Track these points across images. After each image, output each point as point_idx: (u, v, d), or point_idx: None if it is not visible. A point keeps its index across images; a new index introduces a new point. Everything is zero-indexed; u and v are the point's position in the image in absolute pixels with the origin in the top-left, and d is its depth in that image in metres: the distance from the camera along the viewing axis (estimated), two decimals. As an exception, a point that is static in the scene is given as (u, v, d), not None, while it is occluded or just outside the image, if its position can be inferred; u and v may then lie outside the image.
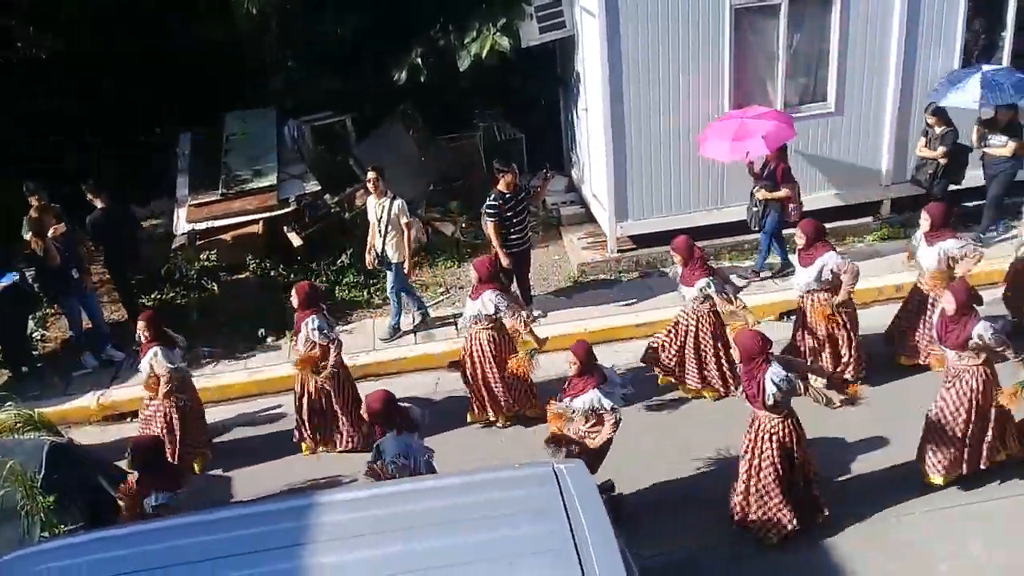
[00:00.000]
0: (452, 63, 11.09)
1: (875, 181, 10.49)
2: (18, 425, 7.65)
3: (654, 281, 10.09)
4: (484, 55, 10.76)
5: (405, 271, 9.38)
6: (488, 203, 9.08)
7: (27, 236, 9.10)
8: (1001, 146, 9.56)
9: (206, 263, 10.52)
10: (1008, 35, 10.07)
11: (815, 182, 10.37)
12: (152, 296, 10.80)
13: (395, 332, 9.58)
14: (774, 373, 5.94)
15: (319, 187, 11.19)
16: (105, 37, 12.13)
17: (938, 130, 9.58)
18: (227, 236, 10.60)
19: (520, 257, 9.34)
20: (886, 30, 9.77)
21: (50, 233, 9.01)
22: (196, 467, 7.91)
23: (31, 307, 9.78)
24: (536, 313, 9.54)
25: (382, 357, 9.24)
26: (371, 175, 9.16)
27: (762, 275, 9.84)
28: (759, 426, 6.17)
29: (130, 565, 4.28)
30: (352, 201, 11.42)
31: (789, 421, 6.12)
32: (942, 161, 9.62)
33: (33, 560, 4.53)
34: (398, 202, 9.15)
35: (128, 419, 8.89)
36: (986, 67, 9.49)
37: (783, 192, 9.32)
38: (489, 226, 9.09)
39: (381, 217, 9.14)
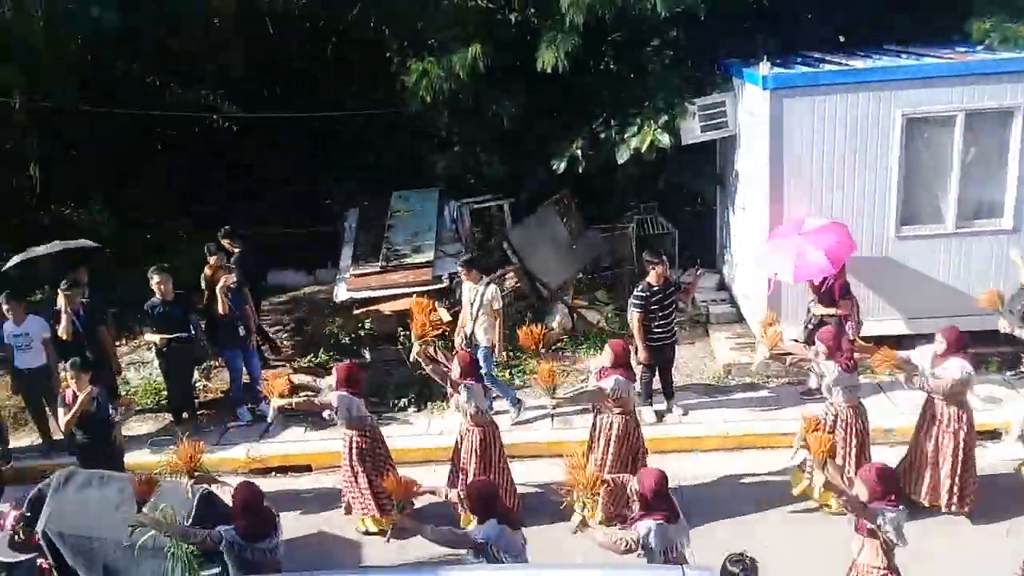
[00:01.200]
0: (611, 155, 11.30)
1: (1054, 305, 9.80)
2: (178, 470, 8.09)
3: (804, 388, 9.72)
4: (643, 149, 10.92)
5: (495, 355, 9.59)
6: (636, 294, 9.10)
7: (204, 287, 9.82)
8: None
9: (360, 331, 10.96)
10: None
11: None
12: (307, 358, 11.34)
13: (517, 405, 9.72)
14: None
15: (472, 267, 11.51)
16: (285, 110, 13.14)
17: None
18: (384, 308, 11.03)
19: (664, 351, 9.25)
20: (1072, 148, 9.29)
21: (220, 283, 9.64)
22: None
23: (199, 358, 10.46)
24: (677, 411, 9.42)
25: (515, 439, 9.27)
26: (462, 266, 9.62)
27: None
28: None
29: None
30: (502, 282, 11.68)
31: None
32: None
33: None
34: (492, 288, 9.57)
35: (273, 473, 9.27)
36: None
37: (841, 309, 8.95)
38: (635, 317, 9.08)
39: (474, 302, 9.43)
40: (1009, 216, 9.58)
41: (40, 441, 9.77)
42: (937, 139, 9.44)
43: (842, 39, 11.56)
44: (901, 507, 5.70)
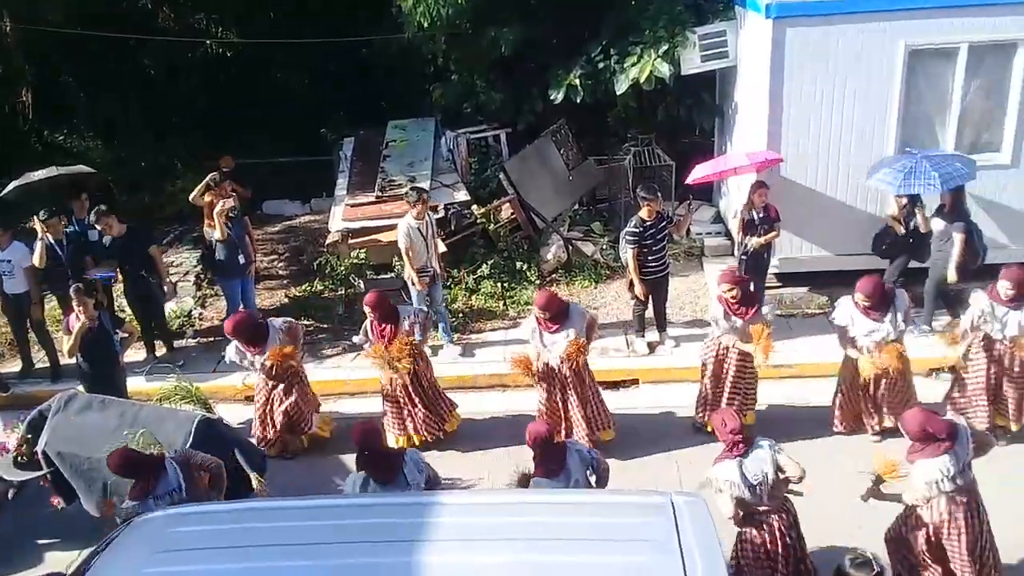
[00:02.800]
0: (609, 85, 11.15)
1: (1048, 241, 9.83)
2: (176, 396, 8.20)
3: (796, 322, 9.78)
4: (643, 80, 10.77)
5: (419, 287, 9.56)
6: (628, 230, 9.09)
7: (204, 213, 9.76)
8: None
9: (355, 261, 10.97)
10: None
11: (985, 235, 9.80)
12: (302, 288, 11.38)
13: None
14: None
15: (468, 197, 11.49)
16: (279, 37, 12.92)
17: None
18: (381, 237, 11.01)
19: (657, 284, 9.29)
20: (1076, 82, 9.18)
21: (218, 208, 9.60)
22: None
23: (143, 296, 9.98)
24: (668, 343, 9.49)
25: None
26: (415, 196, 9.38)
27: None
28: None
29: (260, 538, 4.53)
30: (498, 213, 11.66)
31: None
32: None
33: (168, 522, 4.84)
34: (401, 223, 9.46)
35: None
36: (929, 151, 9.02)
37: (775, 234, 9.25)
38: (629, 253, 9.09)
39: (427, 234, 9.43)
40: (1008, 151, 9.51)
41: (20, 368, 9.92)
42: (939, 71, 9.31)
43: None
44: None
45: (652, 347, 9.50)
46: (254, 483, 6.68)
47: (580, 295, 10.82)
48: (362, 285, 10.84)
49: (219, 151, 11.61)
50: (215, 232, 9.65)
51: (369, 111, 13.25)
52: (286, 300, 11.29)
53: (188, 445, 6.62)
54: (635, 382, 9.20)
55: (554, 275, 11.22)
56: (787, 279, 10.18)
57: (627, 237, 9.08)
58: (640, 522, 4.61)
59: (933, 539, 5.60)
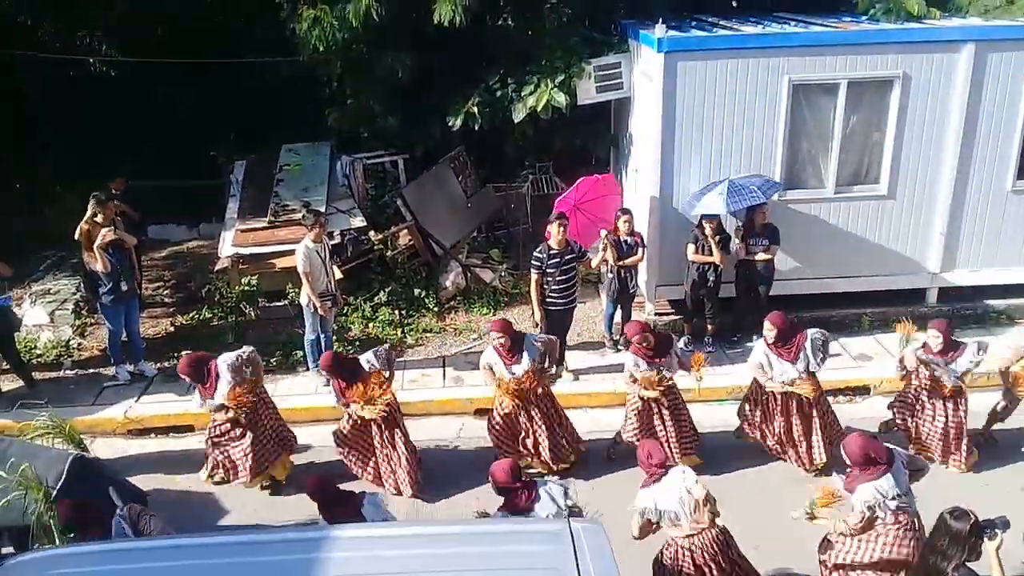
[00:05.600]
0: (507, 113, 11.21)
1: (922, 269, 10.33)
2: (47, 433, 7.68)
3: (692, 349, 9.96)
4: (539, 108, 10.88)
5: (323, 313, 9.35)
6: (534, 255, 9.11)
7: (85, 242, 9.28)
8: (763, 250, 9.52)
9: (247, 288, 10.63)
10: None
11: (862, 265, 10.25)
12: (189, 315, 10.95)
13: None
14: None
15: (364, 223, 11.32)
16: (167, 55, 12.51)
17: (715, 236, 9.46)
18: (274, 263, 10.72)
19: (560, 316, 9.24)
20: (945, 117, 9.71)
21: (97, 242, 9.15)
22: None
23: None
24: (567, 376, 9.46)
25: (408, 398, 9.20)
26: (312, 218, 9.25)
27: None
28: None
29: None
30: (395, 240, 11.52)
31: None
32: (720, 265, 9.52)
33: (38, 566, 4.50)
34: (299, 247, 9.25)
35: (152, 435, 8.94)
36: (735, 176, 9.50)
37: (638, 257, 9.63)
38: (531, 278, 9.09)
39: (325, 257, 9.27)
40: (885, 182, 9.98)
41: None
42: (821, 106, 9.72)
43: (735, 4, 11.72)
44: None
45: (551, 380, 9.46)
46: None
47: (479, 322, 10.76)
48: (253, 313, 10.52)
49: (104, 174, 11.11)
50: (96, 264, 9.17)
51: (262, 134, 12.93)
52: (172, 328, 10.84)
53: (60, 484, 6.24)
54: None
55: (452, 302, 11.14)
56: (680, 305, 10.37)
57: (531, 262, 9.10)
58: (538, 550, 4.54)
59: (879, 561, 5.74)
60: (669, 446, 7.67)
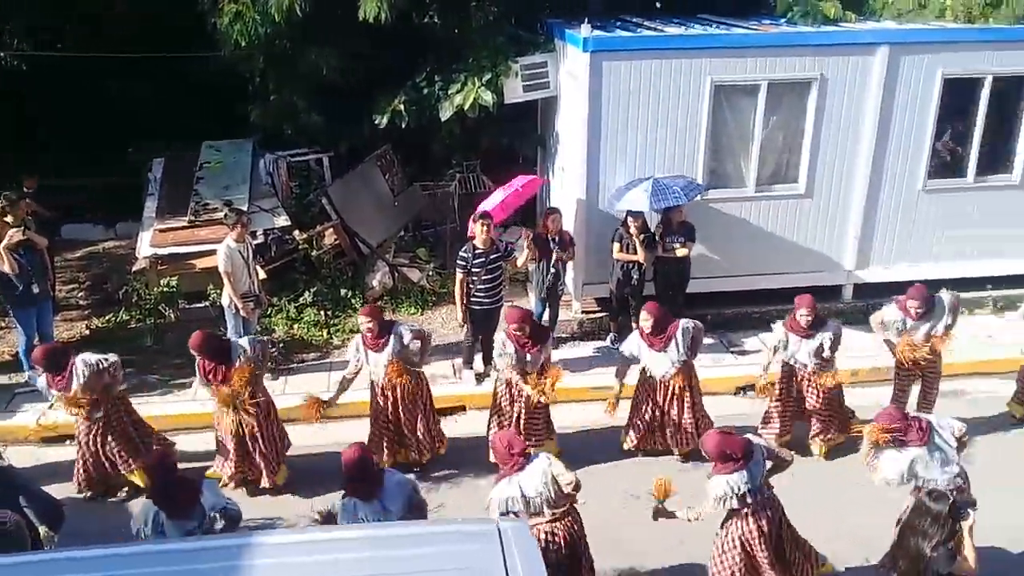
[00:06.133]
0: (434, 111, 11.15)
1: (839, 266, 10.64)
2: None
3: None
4: (467, 107, 10.85)
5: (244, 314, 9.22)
6: (459, 254, 9.09)
7: None
8: (680, 245, 9.68)
9: (165, 289, 10.35)
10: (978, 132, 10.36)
11: (781, 263, 10.50)
12: (105, 318, 10.62)
13: None
14: None
15: (288, 222, 11.13)
16: (83, 50, 12.10)
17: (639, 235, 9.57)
18: (195, 263, 10.46)
19: (485, 315, 9.23)
20: (860, 118, 10.02)
21: (4, 243, 8.79)
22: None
23: None
24: (493, 373, 9.44)
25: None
26: (235, 217, 9.08)
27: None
28: None
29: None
30: (321, 239, 11.36)
31: None
32: (644, 264, 9.66)
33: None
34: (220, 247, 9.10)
35: (67, 442, 8.62)
36: (659, 175, 9.67)
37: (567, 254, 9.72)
38: (456, 278, 9.08)
39: (248, 257, 9.12)
40: (803, 182, 10.25)
41: None
42: (742, 106, 9.92)
43: (659, 5, 11.87)
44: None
45: (480, 378, 9.46)
46: (42, 534, 6.07)
47: (406, 322, 10.66)
48: (172, 315, 10.24)
49: (14, 171, 10.70)
50: (3, 265, 8.81)
51: (182, 131, 12.58)
52: (87, 331, 10.48)
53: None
54: (462, 408, 9.15)
55: (379, 302, 11.02)
56: (606, 303, 10.48)
57: (457, 262, 9.07)
58: (466, 550, 4.52)
59: (742, 553, 5.88)
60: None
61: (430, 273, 11.44)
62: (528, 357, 7.67)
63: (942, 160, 10.53)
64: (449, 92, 11.00)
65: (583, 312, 10.57)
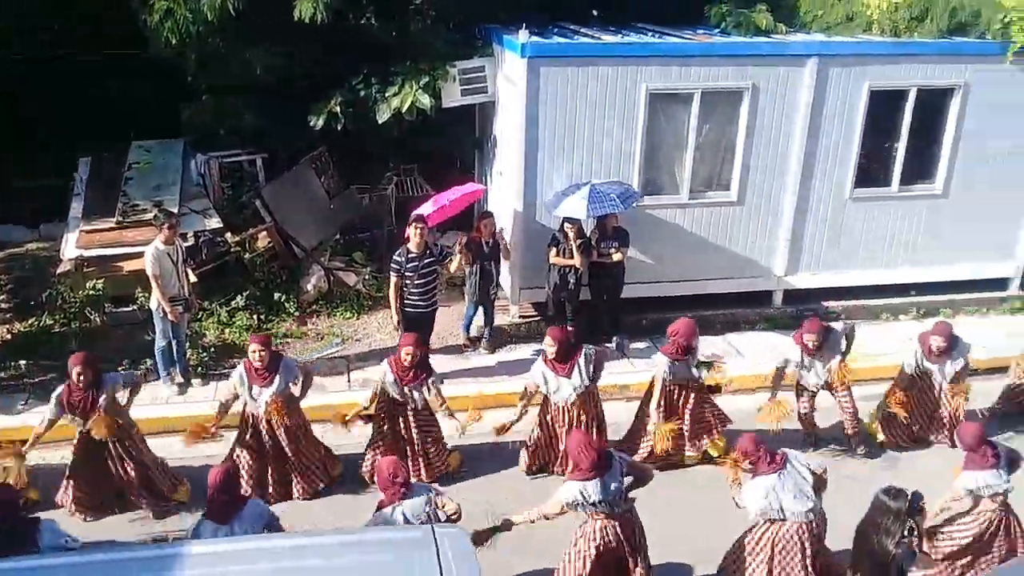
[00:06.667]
0: (371, 114, 11.06)
1: (770, 272, 10.87)
2: None
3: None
4: (404, 110, 10.79)
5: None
6: (393, 258, 9.03)
7: None
8: (614, 251, 9.81)
9: (92, 292, 10.04)
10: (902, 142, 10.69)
11: (714, 269, 10.68)
12: (28, 322, 10.26)
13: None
14: None
15: (220, 225, 10.91)
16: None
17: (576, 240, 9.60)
18: (122, 266, 10.17)
19: (419, 319, 9.17)
20: (790, 128, 10.25)
21: None
22: None
23: None
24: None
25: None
26: (164, 219, 8.89)
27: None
28: None
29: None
30: (254, 241, 11.17)
31: None
32: (580, 268, 9.70)
33: None
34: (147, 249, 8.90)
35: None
36: (596, 180, 9.74)
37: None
38: (390, 281, 9.01)
39: (177, 260, 8.93)
40: (735, 189, 10.44)
41: None
42: (676, 114, 10.07)
43: (596, 13, 11.97)
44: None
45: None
46: None
47: (342, 326, 10.57)
48: (98, 319, 9.96)
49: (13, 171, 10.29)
50: None
51: (110, 130, 12.22)
52: (9, 336, 10.11)
53: None
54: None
55: (314, 306, 10.89)
56: (543, 309, 10.52)
57: (391, 265, 9.03)
58: (402, 558, 4.51)
59: (592, 559, 6.03)
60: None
61: (366, 277, 11.34)
62: (405, 390, 7.62)
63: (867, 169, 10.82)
64: (386, 95, 10.92)
65: (520, 317, 10.59)
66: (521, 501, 6.84)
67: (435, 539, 4.54)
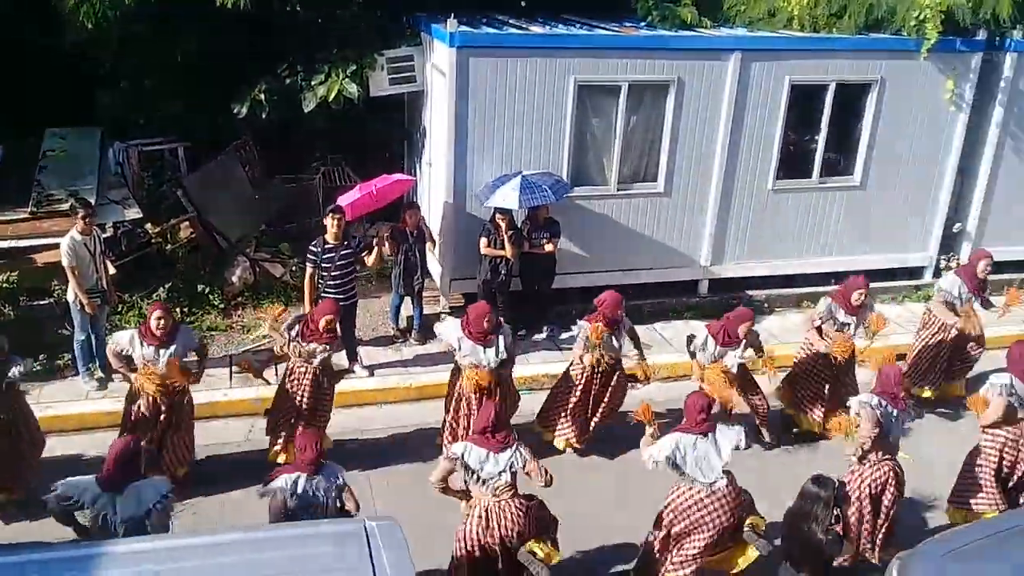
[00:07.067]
0: (297, 102, 10.88)
1: (695, 262, 11.07)
2: None
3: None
4: (331, 99, 10.65)
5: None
6: (309, 248, 8.94)
7: None
8: (546, 241, 9.93)
9: (4, 285, 9.66)
10: (822, 138, 10.99)
11: (642, 259, 10.83)
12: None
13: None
14: None
15: (140, 215, 10.61)
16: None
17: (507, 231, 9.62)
18: (36, 258, 9.80)
19: (343, 312, 8.99)
20: (715, 120, 10.44)
21: None
22: None
23: None
24: (362, 371, 9.35)
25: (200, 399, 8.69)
26: (80, 209, 8.64)
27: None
28: None
29: None
30: (176, 232, 10.90)
31: None
32: (511, 259, 9.75)
33: None
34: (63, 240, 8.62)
35: None
36: (527, 171, 9.76)
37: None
38: (306, 272, 8.93)
39: (95, 251, 8.67)
40: (662, 181, 10.60)
41: None
42: (604, 106, 10.16)
43: (523, 3, 11.99)
44: None
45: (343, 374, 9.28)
46: None
47: (269, 318, 10.36)
48: (13, 312, 9.58)
49: None
50: None
51: (23, 118, 11.75)
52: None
53: None
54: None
55: (239, 298, 10.68)
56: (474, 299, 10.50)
57: (307, 255, 8.93)
58: (333, 551, 4.48)
59: (481, 527, 5.98)
60: None
61: (293, 268, 11.16)
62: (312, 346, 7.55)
63: (789, 162, 11.10)
64: (312, 83, 10.76)
65: (450, 308, 10.57)
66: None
67: (366, 532, 4.52)
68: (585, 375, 8.09)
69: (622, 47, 10.05)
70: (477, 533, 5.90)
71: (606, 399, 8.21)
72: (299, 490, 5.66)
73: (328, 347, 7.62)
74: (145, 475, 5.64)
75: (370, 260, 9.44)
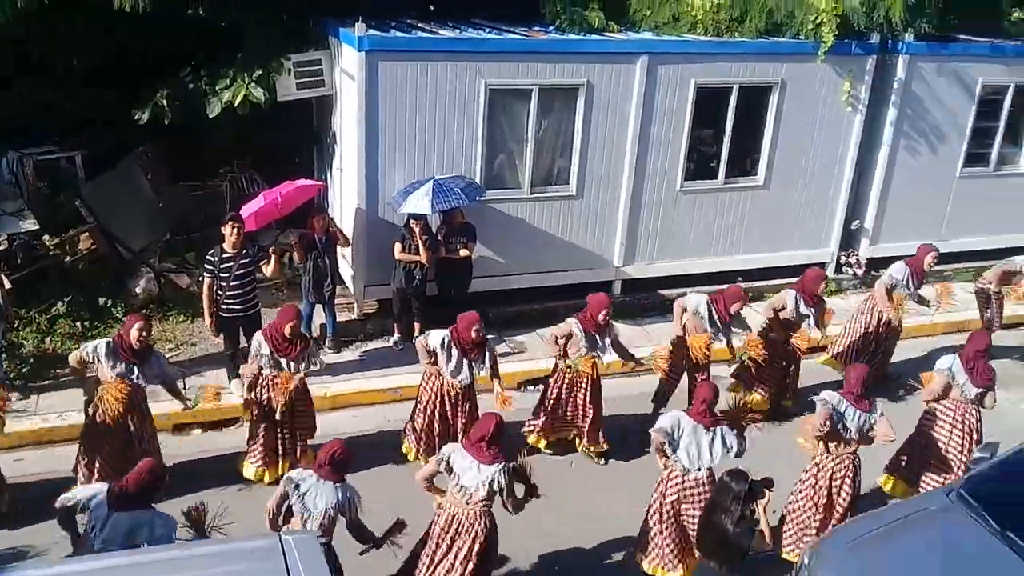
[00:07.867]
0: (201, 108, 10.60)
1: (608, 263, 11.23)
2: None
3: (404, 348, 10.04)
4: (236, 104, 10.41)
5: None
6: (207, 257, 8.72)
7: None
8: (462, 246, 9.96)
9: None
10: (727, 141, 11.27)
11: (556, 261, 10.91)
12: None
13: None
14: None
15: (37, 226, 10.18)
16: None
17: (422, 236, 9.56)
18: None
19: (237, 324, 8.80)
20: (624, 123, 10.61)
21: None
22: None
23: None
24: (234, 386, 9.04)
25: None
26: None
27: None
28: None
29: None
30: (75, 244, 10.48)
31: None
32: (426, 265, 9.71)
33: None
34: None
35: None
36: (439, 176, 9.75)
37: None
38: (204, 282, 8.72)
39: None
40: (574, 183, 10.71)
41: None
42: (516, 110, 10.21)
43: (432, 7, 11.96)
44: None
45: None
46: None
47: (175, 331, 10.09)
48: None
49: None
50: None
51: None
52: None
53: None
54: (236, 420, 8.74)
55: (144, 310, 10.33)
56: (388, 304, 10.43)
57: (204, 265, 8.71)
58: (250, 567, 4.39)
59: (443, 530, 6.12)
60: None
61: (199, 278, 10.81)
62: (282, 361, 7.50)
63: (696, 163, 11.35)
64: (217, 88, 10.50)
65: (364, 314, 10.46)
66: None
67: (283, 546, 4.43)
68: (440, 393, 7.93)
69: (532, 51, 10.11)
70: (439, 534, 6.03)
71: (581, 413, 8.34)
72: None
73: (304, 351, 7.57)
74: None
75: (268, 270, 9.20)
